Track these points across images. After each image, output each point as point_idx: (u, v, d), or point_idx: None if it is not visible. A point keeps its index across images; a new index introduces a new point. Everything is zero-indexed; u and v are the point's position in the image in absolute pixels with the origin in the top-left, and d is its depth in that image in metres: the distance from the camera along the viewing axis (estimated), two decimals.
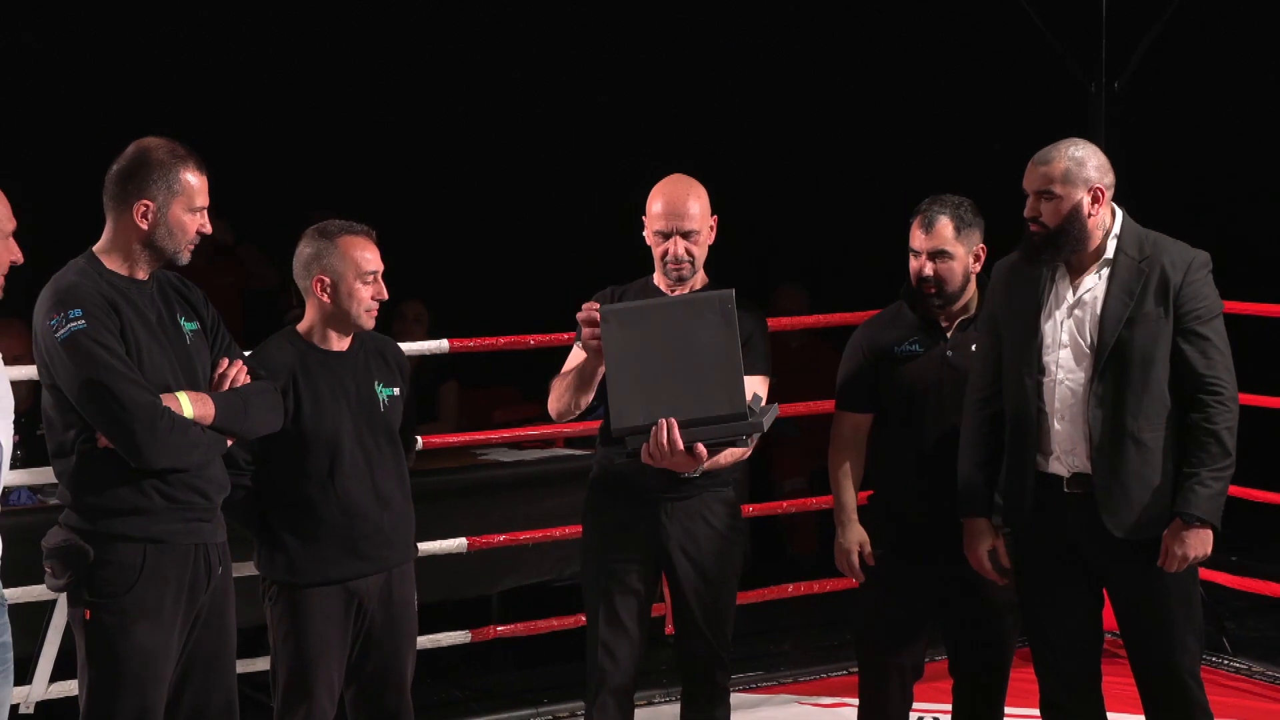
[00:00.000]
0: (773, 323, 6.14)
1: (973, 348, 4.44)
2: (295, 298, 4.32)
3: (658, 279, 4.47)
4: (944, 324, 4.52)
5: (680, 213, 4.38)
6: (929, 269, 4.45)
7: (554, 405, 4.43)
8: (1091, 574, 4.26)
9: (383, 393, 4.28)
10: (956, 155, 8.89)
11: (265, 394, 4.04)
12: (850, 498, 4.59)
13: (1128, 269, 4.17)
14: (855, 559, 4.54)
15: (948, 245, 4.45)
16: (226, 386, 3.97)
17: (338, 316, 4.24)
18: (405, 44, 9.13)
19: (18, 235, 3.68)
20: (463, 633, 5.56)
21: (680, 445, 4.07)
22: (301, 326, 4.28)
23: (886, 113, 9.53)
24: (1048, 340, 4.22)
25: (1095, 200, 4.14)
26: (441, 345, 5.46)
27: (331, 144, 8.81)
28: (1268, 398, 6.02)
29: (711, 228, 4.44)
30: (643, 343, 4.10)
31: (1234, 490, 5.65)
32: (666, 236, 4.40)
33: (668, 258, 4.40)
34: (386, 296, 4.28)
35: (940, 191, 4.54)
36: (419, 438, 5.02)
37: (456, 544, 5.47)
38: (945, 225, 4.45)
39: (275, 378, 4.14)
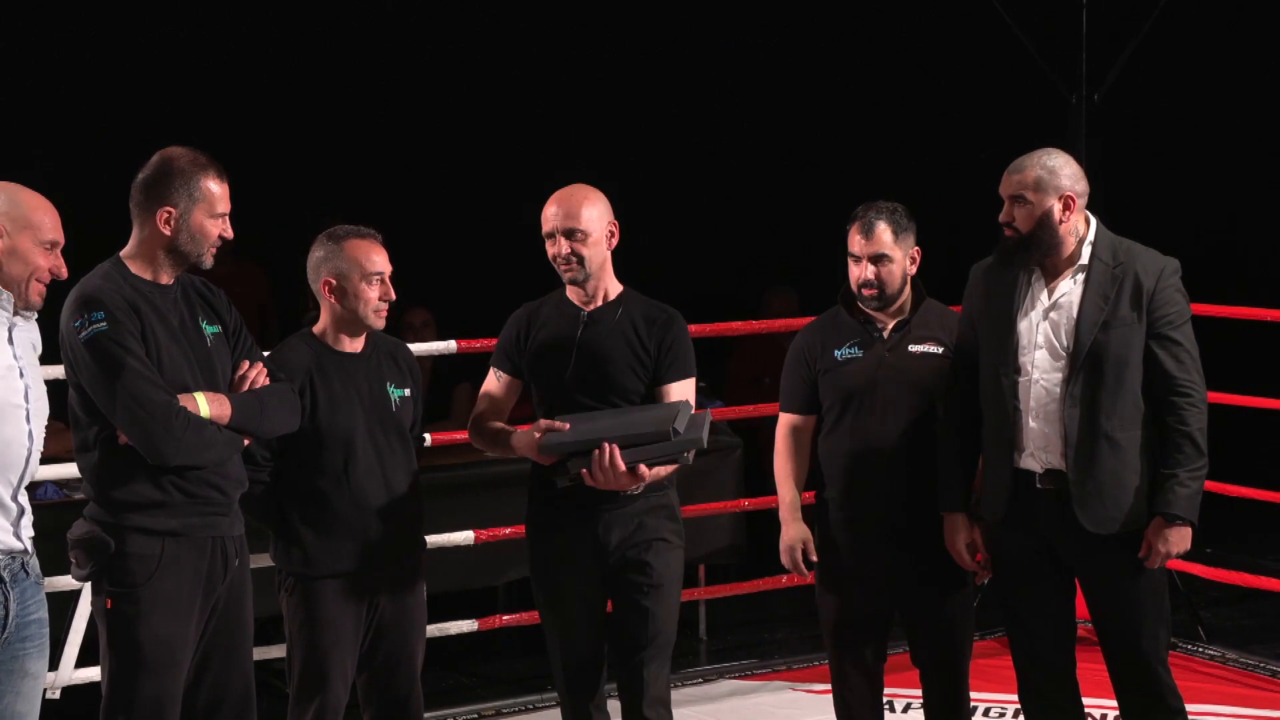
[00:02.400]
0: (764, 324, 6.34)
1: (909, 348, 4.56)
2: (311, 300, 4.33)
3: (570, 290, 4.47)
4: (881, 325, 4.61)
5: (565, 212, 4.37)
6: (870, 272, 4.54)
7: (473, 441, 4.54)
8: (1064, 566, 4.36)
9: (394, 393, 4.35)
10: (944, 162, 9.05)
11: (283, 395, 4.11)
12: (794, 497, 4.65)
13: (1102, 274, 4.27)
14: (799, 556, 4.61)
15: (886, 249, 4.53)
16: (246, 388, 4.05)
17: (347, 318, 4.30)
18: (404, 47, 9.15)
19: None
20: (470, 621, 5.64)
21: (623, 467, 4.16)
22: (317, 328, 4.35)
23: (877, 120, 9.61)
24: (1024, 341, 4.32)
25: (1066, 207, 4.25)
26: (450, 346, 5.55)
27: (330, 150, 8.82)
28: (1242, 396, 6.14)
29: (611, 234, 4.43)
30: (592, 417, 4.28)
31: (1209, 485, 5.82)
32: (550, 238, 4.39)
33: (556, 260, 4.40)
34: (394, 298, 4.34)
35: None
36: (428, 435, 5.06)
37: (464, 536, 5.55)
38: (884, 230, 4.53)
39: (292, 378, 4.21)
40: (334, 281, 4.29)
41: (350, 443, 4.26)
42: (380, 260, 4.31)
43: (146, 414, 3.80)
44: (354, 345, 4.35)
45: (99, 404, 3.86)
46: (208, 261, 4.01)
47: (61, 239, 3.70)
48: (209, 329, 4.05)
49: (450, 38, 9.25)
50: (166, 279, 4.00)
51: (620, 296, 4.47)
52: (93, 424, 3.89)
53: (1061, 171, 4.27)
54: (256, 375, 4.08)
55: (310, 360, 4.29)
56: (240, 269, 7.74)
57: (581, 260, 4.38)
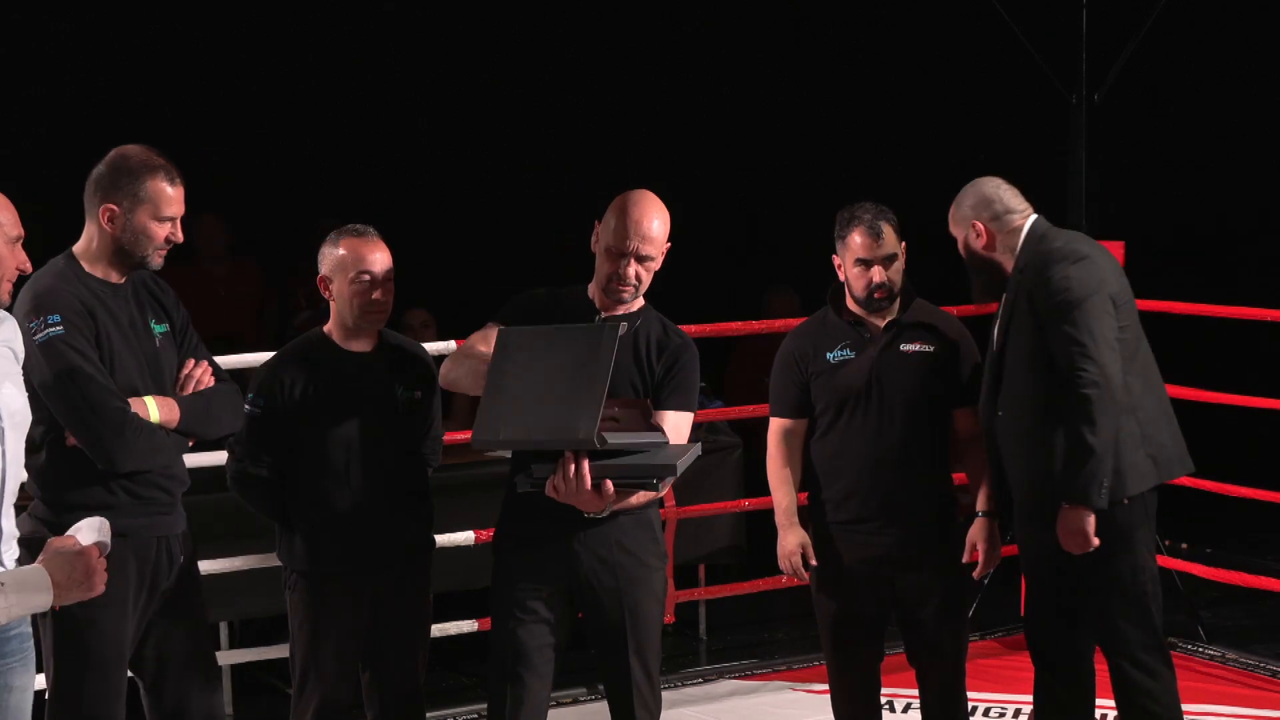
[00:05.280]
0: (765, 324, 6.35)
1: (902, 347, 4.58)
2: (305, 300, 4.29)
3: (593, 292, 4.23)
4: (873, 326, 4.61)
5: (642, 233, 4.11)
6: (880, 275, 4.54)
7: (449, 375, 4.20)
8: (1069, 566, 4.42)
9: (403, 394, 4.32)
10: (944, 163, 9.05)
11: (228, 396, 4.11)
12: (790, 501, 4.64)
13: (1012, 283, 4.44)
14: (798, 560, 4.61)
15: (894, 249, 4.55)
16: (191, 388, 4.05)
17: (340, 317, 4.31)
18: (404, 47, 9.16)
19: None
20: (470, 621, 5.64)
21: (588, 482, 3.87)
22: (326, 327, 4.36)
23: (876, 120, 9.65)
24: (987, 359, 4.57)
25: (979, 235, 4.44)
26: (450, 346, 5.50)
27: (330, 150, 8.82)
28: (1241, 396, 6.08)
29: (663, 254, 4.20)
30: (527, 363, 3.90)
31: (1207, 486, 5.86)
32: (621, 256, 4.12)
33: (615, 277, 4.14)
34: (380, 297, 4.26)
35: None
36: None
37: (464, 536, 5.57)
38: (889, 230, 4.54)
39: (297, 377, 4.23)
40: (328, 279, 4.30)
41: (352, 442, 4.26)
42: (368, 259, 4.26)
43: (100, 421, 3.82)
44: (360, 345, 4.34)
45: (51, 407, 3.86)
46: (155, 262, 4.01)
47: (23, 232, 3.61)
48: (157, 328, 4.06)
49: (451, 38, 9.27)
50: (117, 277, 4.00)
51: (640, 311, 4.24)
52: (39, 424, 3.85)
53: (963, 203, 4.49)
54: (201, 375, 4.09)
55: (317, 359, 4.29)
56: (238, 268, 7.76)
57: (640, 286, 4.17)
